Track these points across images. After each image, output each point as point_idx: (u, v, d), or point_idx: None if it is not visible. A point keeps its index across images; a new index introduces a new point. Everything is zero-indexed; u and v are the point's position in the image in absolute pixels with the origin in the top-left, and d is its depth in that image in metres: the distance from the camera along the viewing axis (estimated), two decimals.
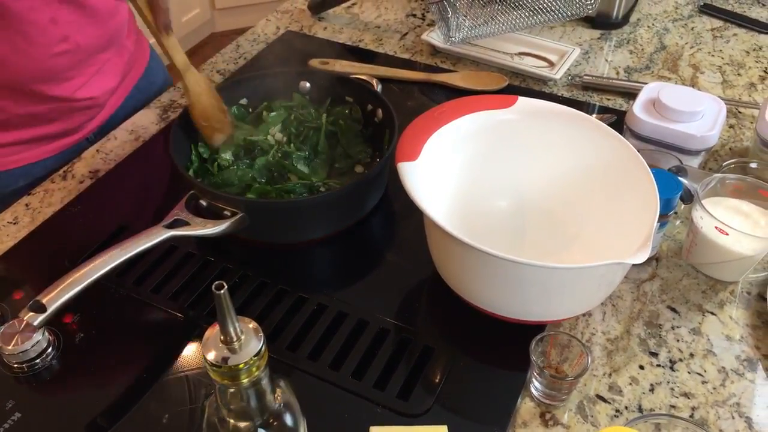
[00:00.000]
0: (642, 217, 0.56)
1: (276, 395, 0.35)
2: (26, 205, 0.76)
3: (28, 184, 0.82)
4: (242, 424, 0.34)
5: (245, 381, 0.32)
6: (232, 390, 0.33)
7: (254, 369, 0.32)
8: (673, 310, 0.64)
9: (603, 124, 0.64)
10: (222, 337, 0.31)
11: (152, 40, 0.78)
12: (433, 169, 0.61)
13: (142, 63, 0.95)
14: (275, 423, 0.35)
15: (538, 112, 0.66)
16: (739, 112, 0.87)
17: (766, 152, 0.74)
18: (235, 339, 0.31)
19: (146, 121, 0.87)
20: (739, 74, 0.94)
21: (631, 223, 0.56)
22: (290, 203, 0.67)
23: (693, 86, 0.92)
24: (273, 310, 0.63)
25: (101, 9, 0.80)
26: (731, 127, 0.85)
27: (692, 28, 1.05)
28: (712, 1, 1.11)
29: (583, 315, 0.63)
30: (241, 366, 0.31)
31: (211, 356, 0.31)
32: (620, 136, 0.62)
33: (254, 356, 0.31)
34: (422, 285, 0.66)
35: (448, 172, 0.64)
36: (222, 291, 0.30)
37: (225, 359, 0.31)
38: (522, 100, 0.66)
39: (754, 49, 0.99)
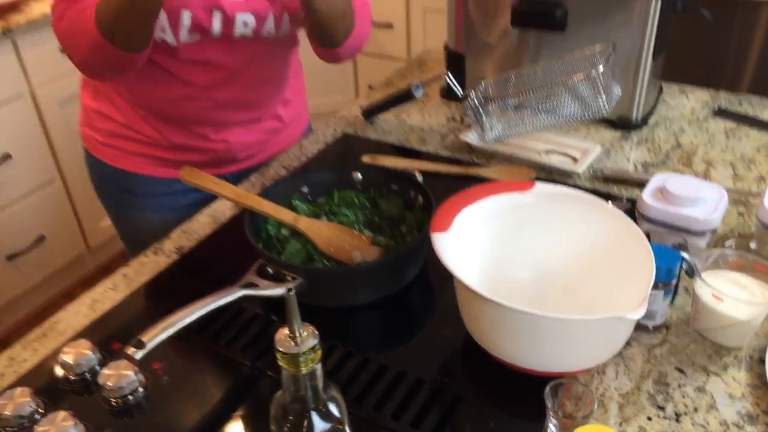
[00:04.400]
0: (642, 282, 0.65)
1: (326, 389, 0.46)
2: (124, 275, 0.91)
3: (167, 192, 1.11)
4: (299, 407, 0.45)
5: (303, 369, 0.43)
6: (293, 376, 0.44)
7: (310, 360, 0.43)
8: (681, 371, 0.71)
9: (609, 204, 0.75)
10: (289, 333, 0.43)
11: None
12: (462, 241, 0.73)
13: (294, 134, 1.19)
14: (324, 410, 0.45)
15: (553, 195, 0.77)
16: (749, 201, 0.97)
17: (766, 234, 0.83)
18: (297, 336, 0.43)
19: (224, 208, 1.03)
20: (749, 169, 1.04)
21: (634, 289, 0.66)
22: (340, 270, 0.79)
23: (705, 179, 1.02)
24: (326, 361, 0.73)
25: (247, 80, 1.03)
26: (740, 214, 0.94)
27: (707, 129, 1.16)
28: (727, 105, 1.22)
29: (598, 373, 0.71)
30: (301, 355, 0.42)
31: (280, 347, 0.43)
32: (623, 214, 0.73)
33: (311, 349, 0.43)
34: (456, 343, 0.75)
35: (475, 245, 0.76)
36: (292, 293, 0.42)
37: (290, 349, 0.42)
38: (539, 185, 0.78)
39: (764, 147, 1.10)
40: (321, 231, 0.86)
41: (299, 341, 0.43)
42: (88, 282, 2.23)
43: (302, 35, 1.11)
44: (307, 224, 0.86)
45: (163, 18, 0.89)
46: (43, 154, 2.04)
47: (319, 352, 0.44)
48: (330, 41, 1.01)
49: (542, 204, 0.78)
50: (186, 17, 0.91)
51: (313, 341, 0.43)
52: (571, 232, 0.76)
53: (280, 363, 0.43)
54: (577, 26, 1.12)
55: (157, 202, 1.13)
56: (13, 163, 1.96)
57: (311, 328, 0.44)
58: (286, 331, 0.43)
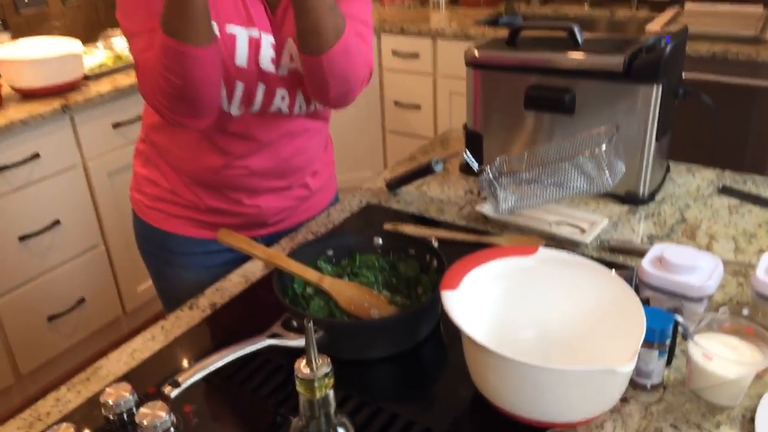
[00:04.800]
0: (635, 340, 0.71)
1: (337, 415, 0.53)
2: (162, 327, 0.99)
3: (203, 251, 1.20)
4: (314, 430, 0.52)
5: (318, 394, 0.50)
6: (309, 401, 0.51)
7: (324, 386, 0.50)
8: (675, 427, 0.75)
9: (606, 269, 0.81)
10: (306, 362, 0.50)
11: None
12: (471, 299, 0.79)
13: (322, 202, 1.29)
14: None
15: (554, 259, 0.84)
16: (748, 272, 1.02)
17: (760, 302, 0.88)
18: (314, 363, 0.50)
19: (255, 268, 1.11)
20: (750, 242, 1.10)
21: (628, 346, 0.71)
22: (358, 324, 0.87)
23: (708, 251, 1.07)
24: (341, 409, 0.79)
25: (280, 152, 1.14)
26: (740, 285, 0.99)
27: (711, 205, 1.22)
28: (731, 184, 1.29)
29: (596, 427, 0.75)
30: (316, 380, 0.49)
31: (299, 373, 0.50)
32: (619, 278, 0.79)
33: (324, 375, 0.50)
34: (465, 397, 0.81)
35: (483, 304, 0.83)
36: (310, 324, 0.49)
37: (307, 375, 0.50)
38: (542, 250, 0.85)
39: (766, 223, 1.15)
40: (343, 290, 0.94)
41: (315, 368, 0.50)
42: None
43: (333, 114, 1.24)
44: (330, 283, 0.94)
45: (222, 90, 1.02)
46: (89, 220, 2.18)
47: (332, 379, 0.51)
48: (317, 39, 0.96)
49: (545, 268, 0.84)
50: (239, 89, 1.03)
51: (326, 369, 0.50)
52: (571, 294, 0.82)
53: (298, 389, 0.50)
54: (585, 110, 1.21)
55: (194, 260, 1.23)
56: (62, 229, 2.10)
57: (326, 359, 0.52)
58: (304, 360, 0.51)
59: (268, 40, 1.03)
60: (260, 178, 1.16)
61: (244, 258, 1.11)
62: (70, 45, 2.14)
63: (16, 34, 2.36)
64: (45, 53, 2.05)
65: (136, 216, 1.26)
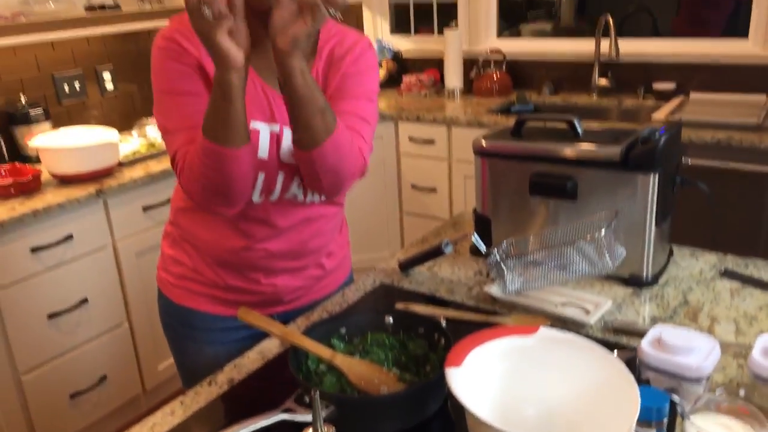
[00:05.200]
0: (630, 419, 0.74)
1: None
2: (181, 402, 1.04)
3: (222, 327, 1.26)
4: None
5: None
6: None
7: None
8: None
9: (602, 348, 0.85)
10: (313, 429, 0.55)
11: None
12: (474, 377, 0.84)
13: (336, 281, 1.35)
14: None
15: (554, 339, 0.89)
16: (749, 354, 1.04)
17: (756, 383, 0.90)
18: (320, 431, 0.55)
19: (271, 346, 1.17)
20: (751, 325, 1.13)
21: (624, 424, 0.75)
22: (367, 399, 0.91)
23: (709, 334, 1.10)
24: None
25: (297, 236, 1.22)
26: (740, 366, 1.02)
27: (713, 288, 1.26)
28: (733, 267, 1.33)
29: None
30: None
31: None
32: (616, 358, 0.83)
33: None
34: None
35: (486, 381, 0.86)
36: (316, 395, 0.54)
37: None
38: (543, 330, 0.90)
39: (767, 306, 1.18)
40: (354, 367, 0.98)
41: None
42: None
43: (353, 196, 1.32)
44: (342, 360, 0.98)
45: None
46: (116, 299, 2.26)
47: None
48: (308, 136, 1.03)
49: (545, 346, 0.89)
50: (261, 179, 1.12)
51: None
52: (570, 373, 0.86)
53: None
54: (588, 196, 1.28)
55: (213, 336, 1.29)
56: (89, 307, 2.18)
57: (332, 428, 0.56)
58: (311, 429, 0.55)
59: (288, 133, 1.13)
60: (277, 260, 1.23)
61: (261, 335, 1.16)
62: (107, 134, 2.29)
63: (57, 123, 2.53)
64: (83, 142, 2.20)
65: (161, 294, 1.33)
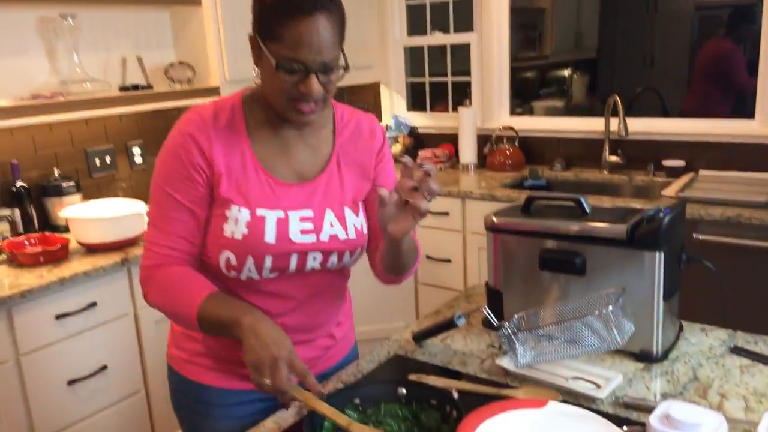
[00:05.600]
0: None
1: None
2: None
3: (236, 402, 1.28)
4: None
5: None
6: None
7: None
8: None
9: (608, 422, 0.88)
10: None
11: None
12: None
13: (343, 350, 1.39)
14: None
15: (564, 413, 0.91)
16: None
17: None
18: None
19: (287, 416, 1.20)
20: (760, 402, 1.14)
21: None
22: None
23: (719, 410, 1.12)
24: None
25: (311, 307, 1.26)
26: None
27: (723, 365, 1.28)
28: (743, 344, 1.35)
29: None
30: None
31: None
32: (619, 429, 0.86)
33: None
34: None
35: None
36: None
37: None
38: (552, 403, 0.93)
39: None
40: None
41: None
42: None
43: (363, 269, 1.38)
44: (358, 429, 1.01)
45: (250, 262, 1.16)
46: (134, 367, 2.30)
47: None
48: (400, 271, 1.27)
49: (555, 420, 0.92)
50: (268, 261, 1.18)
51: None
52: None
53: None
54: (597, 272, 1.32)
55: (228, 411, 1.30)
56: (108, 374, 2.21)
57: None
58: None
59: (297, 216, 1.19)
60: (292, 333, 1.26)
61: (274, 407, 1.19)
62: (133, 205, 2.39)
63: (87, 195, 2.64)
64: (111, 213, 2.30)
65: (173, 371, 1.34)
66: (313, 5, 1.05)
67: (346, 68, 1.13)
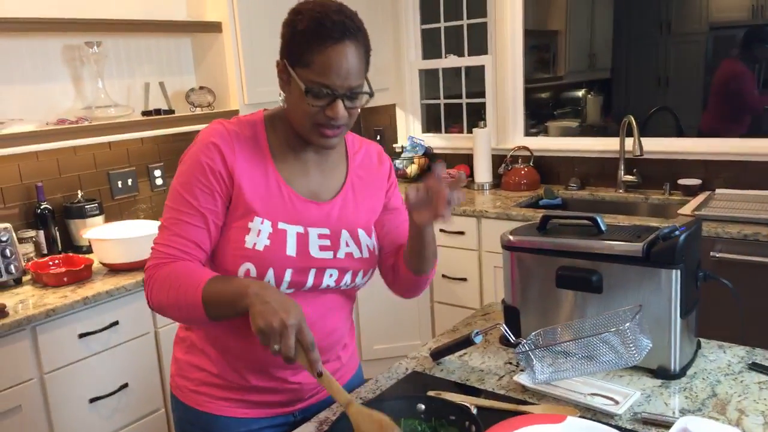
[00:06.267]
0: None
1: None
2: None
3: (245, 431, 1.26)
4: None
5: None
6: None
7: None
8: None
9: None
10: None
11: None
12: None
13: (350, 372, 1.40)
14: None
15: (581, 427, 0.93)
16: None
17: None
18: None
19: (307, 431, 1.21)
20: None
21: None
22: None
23: (737, 426, 1.12)
24: None
25: (323, 329, 1.26)
26: None
27: (741, 381, 1.28)
28: (761, 360, 1.35)
29: None
30: None
31: None
32: None
33: None
34: None
35: None
36: None
37: None
38: (570, 419, 0.94)
39: None
40: (363, 421, 1.03)
41: None
42: None
43: (380, 288, 1.40)
44: (355, 411, 1.04)
45: (270, 274, 1.18)
46: (154, 385, 2.33)
47: None
48: (425, 266, 1.29)
49: None
50: (288, 274, 1.20)
51: None
52: None
53: None
54: (613, 289, 1.33)
55: None
56: (129, 392, 2.24)
57: None
58: None
59: (315, 233, 1.22)
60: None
61: None
62: (154, 226, 2.44)
63: (109, 216, 2.70)
64: (132, 234, 2.35)
65: (178, 401, 1.32)
66: (343, 33, 1.09)
67: (371, 94, 1.18)
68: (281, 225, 1.20)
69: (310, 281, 1.22)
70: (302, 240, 1.21)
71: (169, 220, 1.18)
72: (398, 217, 1.37)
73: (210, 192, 1.17)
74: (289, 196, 1.22)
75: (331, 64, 1.09)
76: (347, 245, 1.25)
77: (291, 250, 1.19)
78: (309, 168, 1.26)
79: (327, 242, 1.23)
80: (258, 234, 1.17)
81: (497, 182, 3.41)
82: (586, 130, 4.64)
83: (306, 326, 1.02)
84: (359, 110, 1.18)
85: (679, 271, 1.27)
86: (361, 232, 1.28)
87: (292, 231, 1.20)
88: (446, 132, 3.83)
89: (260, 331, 1.00)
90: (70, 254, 2.41)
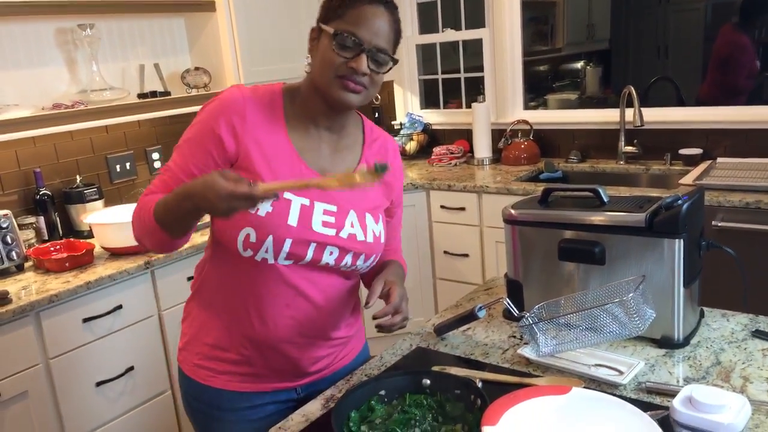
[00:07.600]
0: None
1: None
2: None
3: (248, 406, 1.29)
4: None
5: None
6: None
7: None
8: None
9: (632, 406, 0.89)
10: None
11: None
12: None
13: (356, 348, 1.41)
14: None
15: (587, 397, 0.93)
16: None
17: None
18: None
19: (313, 408, 1.22)
20: None
21: None
22: None
23: (742, 393, 1.12)
24: None
25: (327, 305, 1.28)
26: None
27: (745, 349, 1.28)
28: (765, 328, 1.35)
29: None
30: None
31: None
32: (641, 413, 0.87)
33: None
34: None
35: None
36: None
37: None
38: (575, 389, 0.94)
39: None
40: (329, 185, 1.14)
41: None
42: None
43: None
44: (318, 182, 1.16)
45: (269, 241, 1.18)
46: (160, 367, 2.34)
47: None
48: None
49: (578, 405, 0.93)
50: (287, 245, 1.19)
51: None
52: (602, 429, 0.90)
53: None
54: (616, 261, 1.33)
55: (240, 415, 1.31)
56: (134, 374, 2.26)
57: None
58: None
59: (321, 208, 1.22)
60: (307, 330, 1.27)
61: (285, 411, 1.23)
62: None
63: (109, 201, 2.69)
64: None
65: (184, 375, 1.35)
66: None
67: (395, 61, 1.22)
68: (287, 194, 1.19)
69: (309, 255, 1.22)
70: (306, 212, 1.20)
71: (165, 171, 1.24)
72: (392, 219, 1.41)
73: (206, 155, 1.20)
74: (299, 166, 1.22)
75: (364, 16, 1.15)
76: (352, 226, 1.25)
77: (293, 220, 1.19)
78: (322, 144, 1.26)
79: (332, 219, 1.23)
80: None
81: (497, 157, 3.39)
82: (585, 102, 4.61)
83: (225, 174, 1.04)
84: (381, 81, 1.22)
85: (682, 241, 1.27)
86: (368, 216, 1.28)
87: (297, 202, 1.20)
88: (445, 107, 3.80)
89: (224, 214, 1.06)
90: (71, 239, 2.41)
